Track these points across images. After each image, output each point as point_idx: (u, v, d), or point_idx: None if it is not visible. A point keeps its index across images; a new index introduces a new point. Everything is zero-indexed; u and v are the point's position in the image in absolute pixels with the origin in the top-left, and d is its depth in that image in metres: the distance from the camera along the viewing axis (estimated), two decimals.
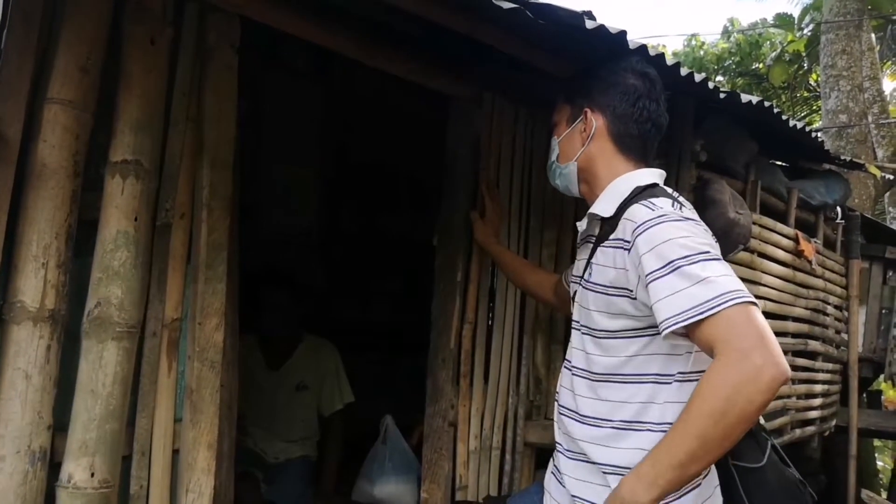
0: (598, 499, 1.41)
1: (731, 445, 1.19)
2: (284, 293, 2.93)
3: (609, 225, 1.45)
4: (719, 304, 1.19)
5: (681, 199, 1.45)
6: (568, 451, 1.52)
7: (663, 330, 1.25)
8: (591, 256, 1.50)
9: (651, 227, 1.30)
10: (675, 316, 1.23)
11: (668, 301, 1.24)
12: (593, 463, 1.43)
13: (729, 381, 1.15)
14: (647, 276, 1.27)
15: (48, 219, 1.33)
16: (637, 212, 1.35)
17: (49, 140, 1.33)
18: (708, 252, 1.25)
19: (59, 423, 1.36)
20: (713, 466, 1.42)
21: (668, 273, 1.24)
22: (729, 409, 1.15)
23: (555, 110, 1.67)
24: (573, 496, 1.48)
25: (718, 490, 1.43)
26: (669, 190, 1.47)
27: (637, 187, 1.45)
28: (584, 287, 1.50)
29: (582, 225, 1.59)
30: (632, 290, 1.34)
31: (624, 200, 1.43)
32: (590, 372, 1.46)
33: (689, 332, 1.25)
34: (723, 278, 1.22)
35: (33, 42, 1.34)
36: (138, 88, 1.44)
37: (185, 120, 1.55)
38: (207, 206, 1.57)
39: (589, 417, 1.46)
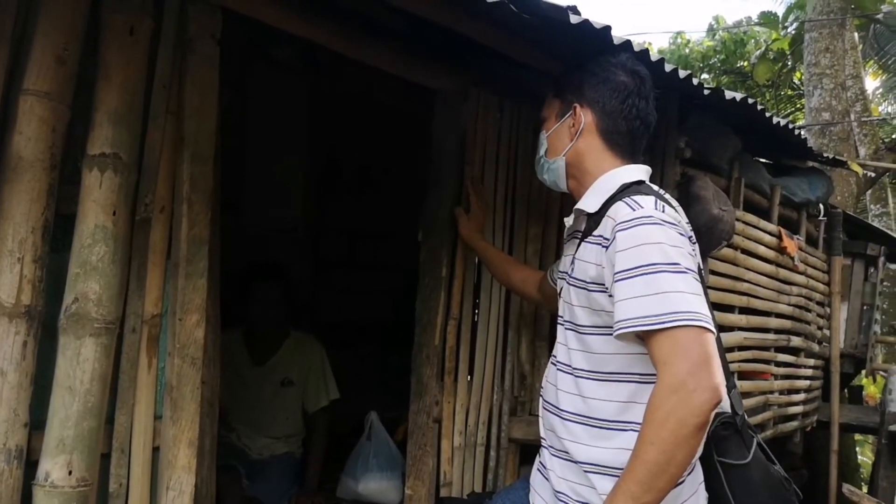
0: (578, 497, 1.41)
1: (681, 468, 1.20)
2: (278, 287, 2.90)
3: (594, 221, 1.45)
4: (669, 322, 1.20)
5: (666, 195, 1.45)
6: (551, 447, 1.52)
7: (615, 331, 1.28)
8: (575, 252, 1.49)
9: (630, 227, 1.30)
10: (626, 320, 1.26)
11: (624, 304, 1.26)
12: (575, 462, 1.43)
13: (663, 406, 1.19)
14: (615, 274, 1.29)
15: (24, 213, 1.30)
16: (619, 210, 1.35)
17: (25, 132, 1.30)
18: (678, 264, 1.26)
19: (36, 421, 1.34)
20: (698, 463, 1.42)
21: (633, 277, 1.26)
22: (664, 434, 1.18)
23: (544, 105, 1.66)
24: (556, 491, 1.47)
25: (703, 486, 1.44)
26: (655, 187, 1.47)
27: (623, 184, 1.45)
28: (568, 283, 1.50)
29: (569, 220, 1.59)
30: (608, 288, 1.35)
31: (609, 197, 1.43)
32: (572, 367, 1.46)
33: (644, 339, 1.26)
34: (680, 295, 1.22)
35: (8, 31, 1.30)
36: (117, 80, 1.41)
37: (166, 113, 1.52)
38: (188, 200, 1.54)
39: (569, 413, 1.46)
